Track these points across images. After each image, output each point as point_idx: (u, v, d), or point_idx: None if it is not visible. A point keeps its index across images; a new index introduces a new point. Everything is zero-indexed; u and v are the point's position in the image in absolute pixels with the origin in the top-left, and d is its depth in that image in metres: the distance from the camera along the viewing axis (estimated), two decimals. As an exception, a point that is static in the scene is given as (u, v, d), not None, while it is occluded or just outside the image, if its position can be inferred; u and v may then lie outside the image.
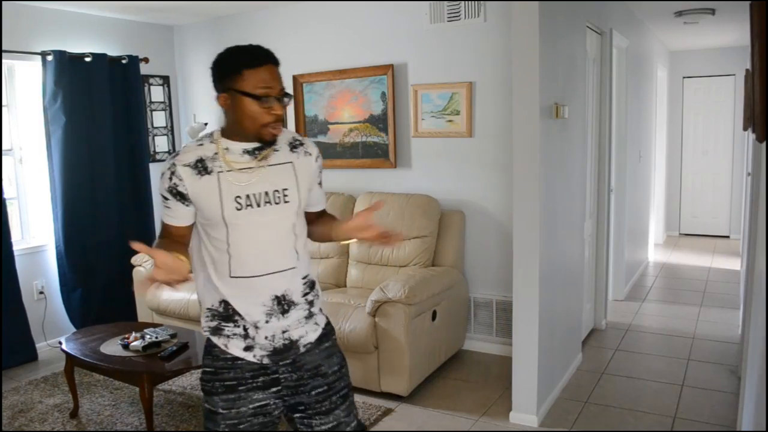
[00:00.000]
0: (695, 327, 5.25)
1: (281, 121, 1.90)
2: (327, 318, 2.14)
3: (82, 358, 3.68)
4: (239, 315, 1.93)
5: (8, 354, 4.71)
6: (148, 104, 5.84)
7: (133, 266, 5.13)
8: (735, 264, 7.39)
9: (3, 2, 4.63)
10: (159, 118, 5.97)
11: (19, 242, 5.01)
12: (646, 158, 7.17)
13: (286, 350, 1.97)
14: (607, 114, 5.01)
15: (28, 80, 5.03)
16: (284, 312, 1.95)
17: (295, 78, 5.29)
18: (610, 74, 5.01)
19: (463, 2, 4.48)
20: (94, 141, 5.17)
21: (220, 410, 1.96)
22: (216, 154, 1.89)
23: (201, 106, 5.98)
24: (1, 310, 4.63)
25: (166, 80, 6.00)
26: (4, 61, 4.80)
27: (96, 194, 5.23)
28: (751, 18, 2.17)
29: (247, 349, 1.95)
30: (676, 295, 6.30)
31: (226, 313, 1.95)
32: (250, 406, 1.96)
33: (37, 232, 5.23)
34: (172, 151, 6.03)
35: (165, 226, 1.98)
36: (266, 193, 1.90)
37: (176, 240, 1.94)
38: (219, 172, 1.87)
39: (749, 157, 5.54)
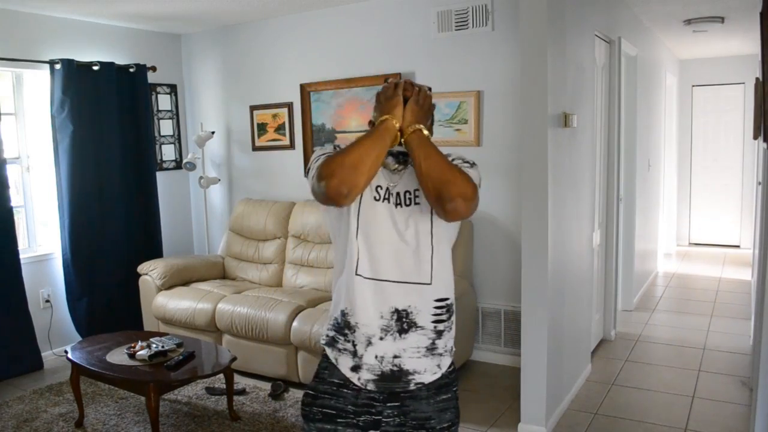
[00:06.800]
0: (706, 338, 5.19)
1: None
2: (453, 363, 1.90)
3: (88, 367, 3.66)
4: (352, 326, 1.79)
5: (14, 362, 4.70)
6: (155, 113, 5.84)
7: (139, 275, 5.13)
8: (746, 274, 7.32)
9: (11, 11, 4.66)
10: (166, 127, 5.98)
11: (25, 250, 5.02)
12: (655, 167, 7.13)
13: (395, 379, 1.79)
14: (616, 123, 4.98)
15: (36, 88, 5.04)
16: (402, 331, 1.78)
17: (302, 87, 5.30)
18: (619, 83, 4.98)
19: (471, 11, 4.47)
20: (101, 149, 5.18)
21: None
22: None
23: (208, 114, 5.98)
24: (8, 318, 4.63)
25: (173, 89, 6.01)
26: (12, 69, 4.83)
27: (103, 202, 5.23)
28: (762, 27, 2.15)
29: (354, 369, 1.80)
30: (686, 306, 6.24)
31: (343, 323, 1.81)
32: None
33: (44, 240, 5.23)
34: (179, 160, 6.04)
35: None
36: (398, 194, 1.82)
37: None
38: None
39: (760, 166, 5.50)
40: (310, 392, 1.87)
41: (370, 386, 1.79)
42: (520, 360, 3.60)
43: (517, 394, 3.70)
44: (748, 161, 8.60)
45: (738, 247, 9.04)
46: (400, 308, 1.76)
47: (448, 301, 1.84)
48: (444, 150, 1.78)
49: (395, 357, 1.77)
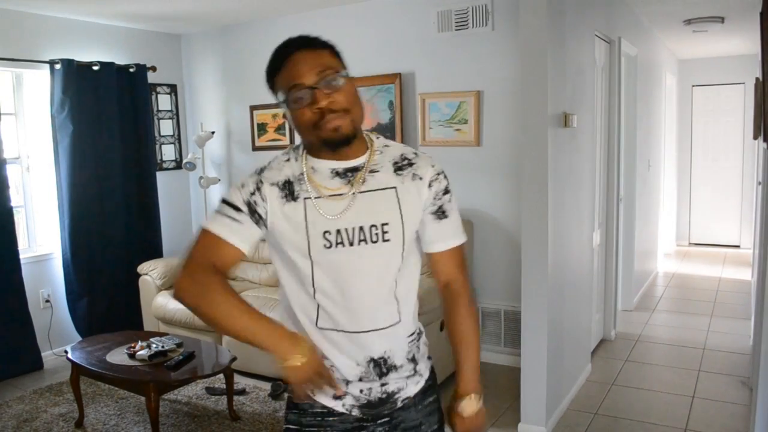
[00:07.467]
0: (706, 338, 5.19)
1: (341, 110, 1.44)
2: (431, 365, 1.77)
3: (88, 367, 3.66)
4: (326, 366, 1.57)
5: (14, 362, 4.70)
6: (155, 113, 5.84)
7: (139, 275, 5.13)
8: (746, 274, 7.32)
9: (11, 11, 4.66)
10: (166, 127, 5.98)
11: (25, 250, 5.02)
12: (655, 167, 7.13)
13: (381, 404, 1.61)
14: (616, 122, 4.98)
15: (36, 88, 5.04)
16: (382, 375, 1.58)
17: (302, 86, 5.29)
18: (619, 83, 4.98)
19: (471, 11, 4.47)
20: (101, 149, 5.18)
21: None
22: (302, 174, 1.52)
23: (208, 114, 5.98)
24: (8, 318, 4.63)
25: (173, 89, 6.00)
26: (12, 69, 4.83)
27: (103, 202, 5.23)
28: (762, 27, 2.15)
29: (337, 397, 1.60)
30: (686, 306, 6.24)
31: None
32: None
33: (44, 240, 5.23)
34: (179, 160, 6.04)
35: (215, 244, 1.50)
36: (361, 229, 1.49)
37: (219, 270, 1.50)
38: (306, 198, 1.50)
39: (760, 166, 5.50)
40: (292, 427, 1.64)
41: (355, 412, 1.60)
42: (520, 360, 3.60)
43: (517, 394, 3.69)
44: (748, 161, 8.59)
45: (738, 247, 9.03)
46: (376, 357, 1.56)
47: (416, 331, 1.67)
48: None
49: (383, 385, 1.60)
